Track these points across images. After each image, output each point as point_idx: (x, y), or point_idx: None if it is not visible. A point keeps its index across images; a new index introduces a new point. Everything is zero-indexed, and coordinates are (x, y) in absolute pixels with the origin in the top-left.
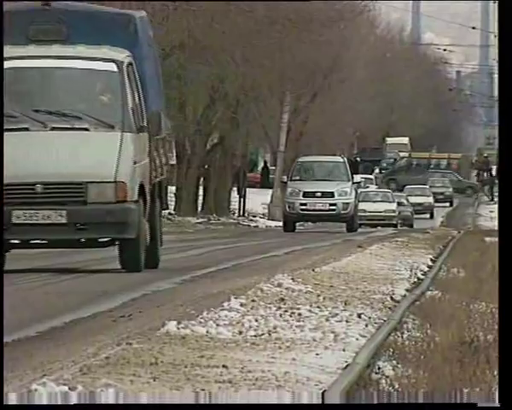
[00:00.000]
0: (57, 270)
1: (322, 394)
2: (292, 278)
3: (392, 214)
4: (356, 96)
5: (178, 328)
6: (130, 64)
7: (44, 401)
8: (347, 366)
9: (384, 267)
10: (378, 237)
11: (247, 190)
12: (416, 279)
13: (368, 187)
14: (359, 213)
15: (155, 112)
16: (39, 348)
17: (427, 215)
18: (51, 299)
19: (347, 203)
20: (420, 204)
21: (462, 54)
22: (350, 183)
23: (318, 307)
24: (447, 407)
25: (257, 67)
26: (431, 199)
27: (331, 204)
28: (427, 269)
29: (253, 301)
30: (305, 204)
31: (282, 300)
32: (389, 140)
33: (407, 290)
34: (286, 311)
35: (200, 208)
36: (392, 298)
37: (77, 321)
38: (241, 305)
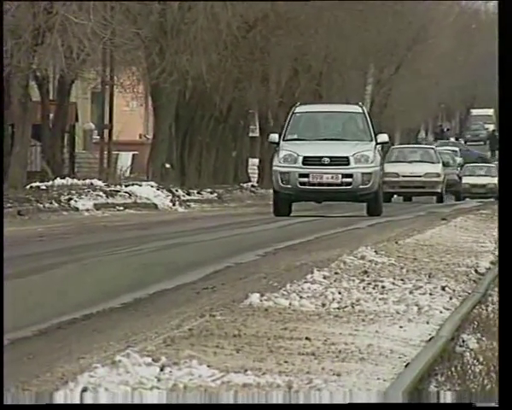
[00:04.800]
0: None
1: (406, 366)
2: (375, 251)
3: (436, 179)
4: (440, 67)
5: (261, 300)
6: None
7: (128, 371)
8: (431, 338)
9: (468, 240)
10: (463, 209)
11: None
12: None
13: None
14: (390, 179)
15: None
16: (124, 319)
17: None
18: (135, 271)
19: (369, 174)
20: (482, 186)
21: None
22: (373, 143)
23: (402, 279)
24: (446, 406)
25: (340, 39)
26: (496, 180)
27: (345, 175)
28: None
29: (337, 273)
30: (306, 175)
31: (366, 272)
32: (474, 112)
33: (492, 263)
34: (369, 283)
35: None
36: (476, 271)
37: (161, 293)
38: (325, 277)
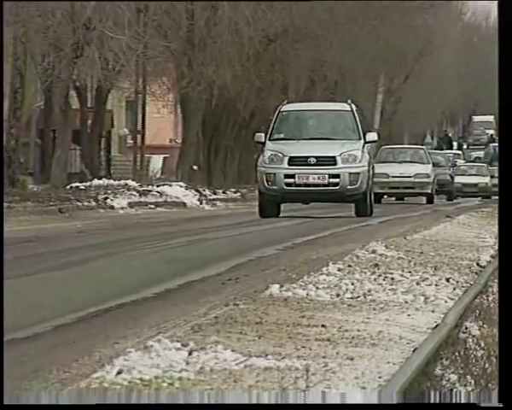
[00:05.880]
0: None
1: (414, 351)
2: (385, 246)
3: (426, 180)
4: (445, 77)
5: (281, 291)
6: None
7: (159, 355)
8: (437, 326)
9: (471, 235)
10: (465, 207)
11: None
12: None
13: (456, 162)
14: (379, 179)
15: None
16: (155, 308)
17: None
18: (165, 263)
19: (357, 174)
20: (474, 185)
21: None
22: (361, 142)
23: (410, 271)
24: (447, 407)
25: (353, 51)
26: (487, 179)
27: (332, 176)
28: None
29: (350, 266)
30: (291, 176)
31: (376, 265)
32: (476, 118)
33: (492, 257)
34: (380, 275)
35: None
36: (478, 264)
37: (189, 284)
38: (339, 270)
